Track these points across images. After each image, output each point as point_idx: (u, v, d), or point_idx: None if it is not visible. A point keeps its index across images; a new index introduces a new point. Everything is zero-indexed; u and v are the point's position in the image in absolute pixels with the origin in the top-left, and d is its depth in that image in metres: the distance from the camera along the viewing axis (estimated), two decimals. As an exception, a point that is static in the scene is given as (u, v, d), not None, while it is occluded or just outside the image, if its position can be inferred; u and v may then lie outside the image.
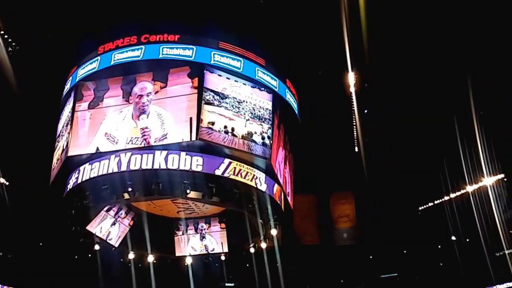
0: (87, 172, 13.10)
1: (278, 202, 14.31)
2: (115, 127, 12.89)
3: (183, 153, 12.53)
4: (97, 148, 12.83)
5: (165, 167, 12.40)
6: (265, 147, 13.17)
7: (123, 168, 12.56)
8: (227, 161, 12.85)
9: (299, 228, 23.59)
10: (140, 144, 12.54)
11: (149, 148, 12.54)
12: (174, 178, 12.76)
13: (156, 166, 12.39)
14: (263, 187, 13.49)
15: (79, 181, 13.27)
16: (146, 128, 12.67)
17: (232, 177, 12.84)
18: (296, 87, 15.84)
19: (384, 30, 15.17)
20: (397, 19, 14.99)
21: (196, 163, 12.53)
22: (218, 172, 12.71)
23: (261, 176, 13.49)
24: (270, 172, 13.71)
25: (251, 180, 13.16)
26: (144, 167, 12.42)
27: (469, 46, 15.68)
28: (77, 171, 13.51)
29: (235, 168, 12.93)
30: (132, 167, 12.47)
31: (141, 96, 13.04)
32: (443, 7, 14.22)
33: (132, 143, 12.61)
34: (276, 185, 14.15)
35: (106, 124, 13.04)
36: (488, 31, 15.00)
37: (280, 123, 14.64)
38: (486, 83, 16.78)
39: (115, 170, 12.66)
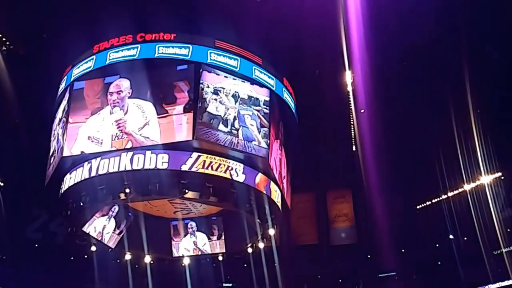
0: (66, 181, 13.44)
1: (264, 192, 13.84)
2: (97, 129, 12.84)
3: (148, 152, 12.39)
4: (82, 152, 12.76)
5: (130, 168, 12.33)
6: (262, 146, 13.05)
7: (93, 173, 12.72)
8: (195, 155, 12.54)
9: (297, 228, 23.55)
10: (122, 137, 12.51)
11: (142, 148, 12.47)
12: (171, 179, 12.63)
13: (121, 169, 12.37)
14: (240, 177, 13.04)
15: (62, 191, 13.60)
16: (120, 120, 12.64)
17: (201, 170, 12.49)
18: (293, 86, 15.74)
19: (380, 27, 15.16)
20: (394, 15, 14.98)
21: (161, 160, 12.32)
22: (185, 168, 12.41)
23: (238, 166, 13.04)
24: (249, 162, 13.21)
25: (225, 172, 12.78)
26: (111, 170, 12.46)
27: (467, 43, 15.70)
28: (62, 181, 13.70)
29: (204, 161, 12.57)
30: (100, 172, 12.58)
31: (111, 93, 13.02)
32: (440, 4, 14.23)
33: (118, 139, 12.58)
34: (259, 174, 13.65)
35: (86, 128, 12.95)
36: (485, 27, 15.01)
37: (277, 122, 14.54)
38: (483, 81, 16.80)
39: (86, 176, 12.83)
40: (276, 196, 14.65)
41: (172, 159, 12.40)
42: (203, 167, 12.54)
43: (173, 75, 12.95)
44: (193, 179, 12.58)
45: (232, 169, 12.92)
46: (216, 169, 12.69)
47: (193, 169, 12.47)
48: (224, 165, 12.81)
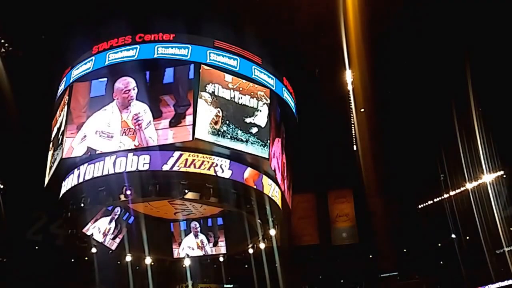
0: (64, 185, 13.68)
1: (255, 186, 13.57)
2: (107, 123, 12.81)
3: (130, 154, 12.44)
4: (89, 148, 12.70)
5: (113, 172, 12.44)
6: (263, 146, 12.97)
7: (80, 180, 12.98)
8: (177, 154, 12.46)
9: (298, 228, 23.49)
10: (129, 133, 12.49)
11: (146, 149, 12.46)
12: (170, 180, 12.58)
13: (105, 173, 12.51)
14: (226, 173, 12.82)
15: (61, 193, 13.74)
16: (139, 113, 12.59)
17: (183, 169, 12.39)
18: (293, 85, 15.68)
19: (380, 23, 15.08)
20: (394, 11, 14.91)
21: (143, 162, 12.33)
22: (166, 167, 12.35)
23: (224, 162, 12.82)
24: (236, 157, 12.97)
25: (209, 169, 12.61)
26: (95, 175, 12.64)
27: (469, 42, 15.62)
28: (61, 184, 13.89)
29: (186, 159, 12.45)
30: (87, 177, 12.80)
31: (128, 90, 12.96)
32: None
33: (125, 134, 12.56)
34: (248, 169, 13.38)
35: (92, 123, 12.92)
36: (487, 26, 14.93)
37: (277, 122, 14.47)
38: (485, 79, 16.72)
39: (75, 183, 13.11)
40: (270, 190, 14.26)
41: (153, 160, 12.38)
42: (185, 166, 12.43)
43: (159, 89, 12.88)
44: (176, 179, 12.53)
45: (216, 165, 12.73)
46: (199, 167, 12.55)
47: (175, 169, 12.38)
48: (208, 162, 12.65)
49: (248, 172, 13.45)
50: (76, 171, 13.19)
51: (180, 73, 12.90)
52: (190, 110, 12.32)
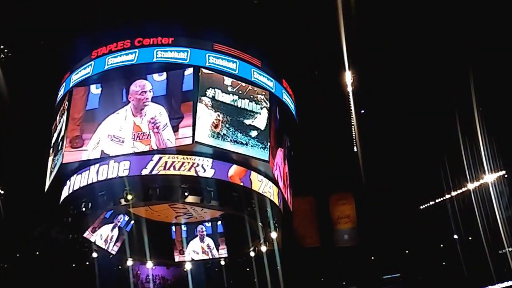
0: (64, 191, 13.78)
1: (241, 183, 13.36)
2: (118, 127, 12.82)
3: (111, 161, 12.54)
4: (102, 152, 12.67)
5: (96, 180, 12.60)
6: (263, 148, 12.95)
7: (71, 190, 13.23)
8: (156, 157, 12.47)
9: (299, 231, 23.40)
10: (143, 137, 12.52)
11: (151, 153, 12.54)
12: (171, 183, 12.56)
13: (89, 182, 12.69)
14: (208, 173, 12.72)
15: (62, 198, 13.81)
16: (155, 116, 12.63)
17: (162, 172, 12.40)
18: (293, 88, 15.65)
19: (381, 24, 15.07)
20: (394, 12, 14.89)
21: (123, 168, 12.42)
22: (145, 172, 12.38)
23: (205, 162, 12.71)
24: (220, 155, 12.86)
25: (189, 170, 12.56)
26: (82, 185, 12.87)
27: (470, 42, 15.60)
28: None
29: (166, 162, 12.45)
30: (75, 187, 13.06)
31: (144, 92, 13.00)
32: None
33: (139, 139, 12.57)
34: (233, 166, 13.18)
35: (105, 127, 12.91)
36: (488, 26, 14.92)
37: (277, 124, 14.44)
38: (486, 79, 16.69)
39: (67, 194, 13.37)
40: (260, 187, 13.91)
41: (133, 165, 12.46)
42: (164, 169, 12.43)
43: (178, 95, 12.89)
44: (156, 182, 12.58)
45: (198, 165, 12.66)
46: (179, 169, 12.52)
47: (154, 172, 12.39)
48: (188, 163, 12.59)
49: (233, 169, 13.26)
50: (68, 182, 13.39)
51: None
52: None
